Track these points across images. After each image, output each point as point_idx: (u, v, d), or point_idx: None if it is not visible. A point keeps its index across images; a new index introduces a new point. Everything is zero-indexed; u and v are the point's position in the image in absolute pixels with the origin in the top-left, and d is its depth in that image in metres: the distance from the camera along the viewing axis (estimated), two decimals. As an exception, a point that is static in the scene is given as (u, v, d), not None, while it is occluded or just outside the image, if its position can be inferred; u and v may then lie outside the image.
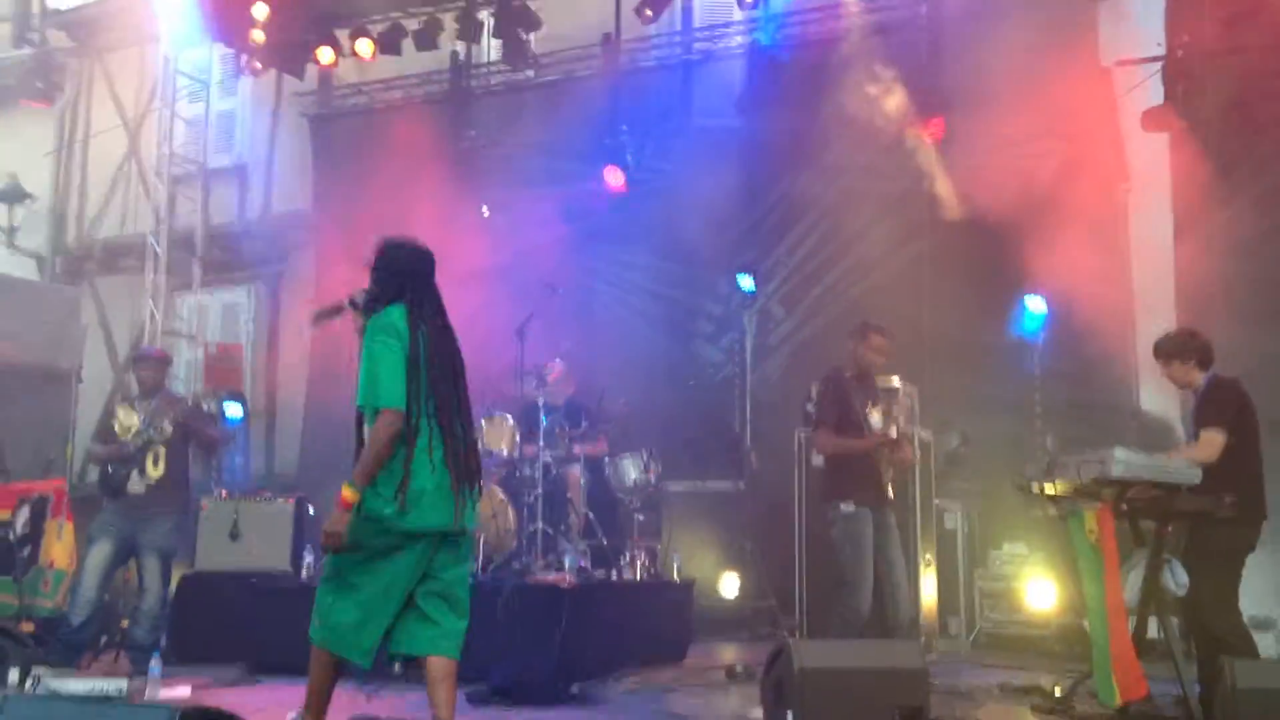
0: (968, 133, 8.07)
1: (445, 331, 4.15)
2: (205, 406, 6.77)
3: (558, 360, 7.60)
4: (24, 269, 12.56)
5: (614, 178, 9.43)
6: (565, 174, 9.59)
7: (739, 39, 9.75)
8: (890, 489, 5.78)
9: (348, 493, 3.88)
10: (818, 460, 6.21)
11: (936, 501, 7.51)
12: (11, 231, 12.44)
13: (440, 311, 4.16)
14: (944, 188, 8.20)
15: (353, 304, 4.28)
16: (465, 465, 4.06)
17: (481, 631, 5.96)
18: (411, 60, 10.32)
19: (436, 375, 4.02)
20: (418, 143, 10.25)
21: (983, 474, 7.81)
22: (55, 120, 13.12)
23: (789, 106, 8.92)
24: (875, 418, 5.77)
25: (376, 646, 4.08)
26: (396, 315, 4.00)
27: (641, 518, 7.27)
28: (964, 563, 7.62)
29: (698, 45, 10.13)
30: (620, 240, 9.64)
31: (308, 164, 11.54)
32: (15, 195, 12.28)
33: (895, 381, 7.12)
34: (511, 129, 10.42)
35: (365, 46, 9.96)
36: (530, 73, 10.42)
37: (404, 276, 4.12)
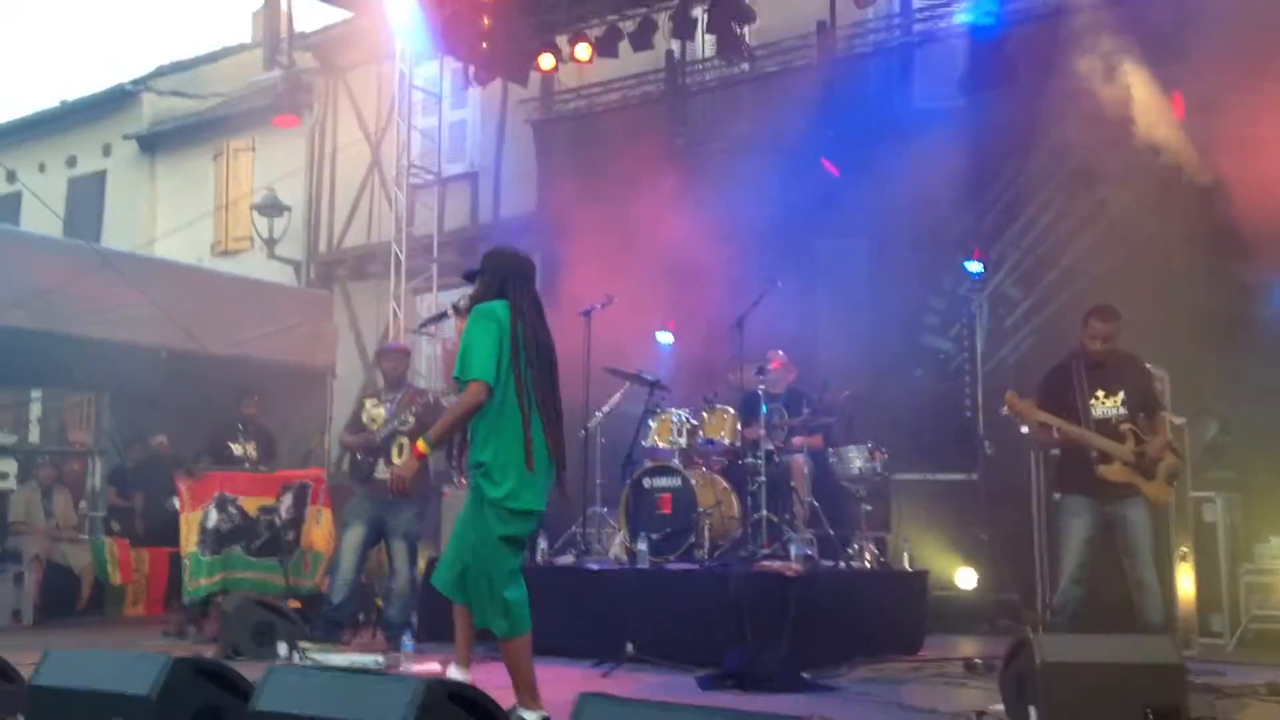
0: (1213, 99, 7.54)
1: (542, 329, 4.41)
2: (444, 403, 7.13)
3: (778, 350, 7.61)
4: (282, 275, 13.62)
5: (831, 167, 9.34)
6: (782, 166, 9.55)
7: (960, 17, 9.44)
8: (1159, 482, 5.50)
9: (421, 446, 4.37)
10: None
11: (1194, 493, 7.07)
12: (271, 242, 13.49)
13: (538, 310, 4.43)
14: (1189, 158, 7.70)
15: (455, 309, 4.66)
16: (559, 445, 4.36)
17: (710, 617, 6.08)
18: (628, 61, 10.53)
19: (533, 359, 4.26)
20: (635, 142, 10.46)
21: (1245, 463, 7.29)
22: (305, 138, 14.13)
23: (1016, 83, 8.57)
24: (1104, 407, 5.51)
25: None
26: (498, 306, 4.30)
27: (869, 508, 7.18)
28: (1226, 557, 7.13)
29: (917, 26, 9.87)
30: (840, 231, 9.52)
31: (533, 169, 11.98)
32: (274, 209, 13.34)
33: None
34: (726, 124, 10.48)
35: (583, 50, 10.23)
36: (745, 66, 10.45)
37: (506, 275, 4.42)
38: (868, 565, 6.94)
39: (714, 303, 9.17)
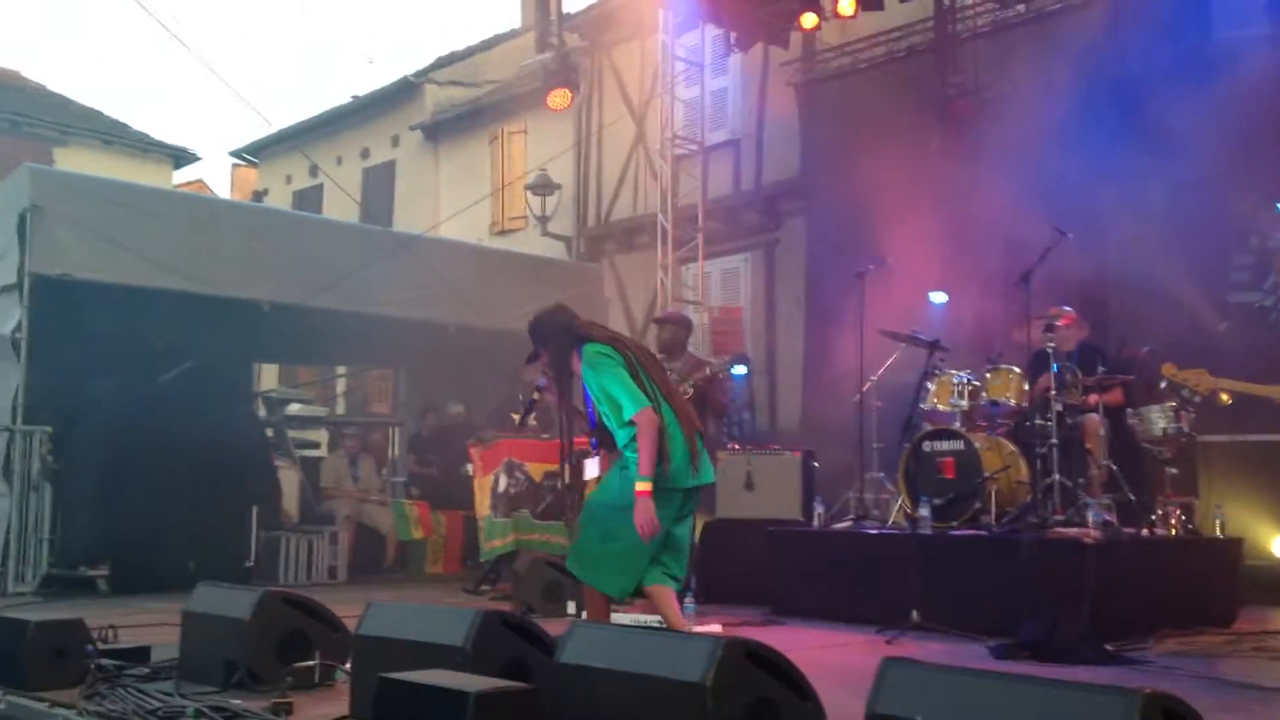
0: None
1: (629, 339, 4.92)
2: (720, 372, 7.14)
3: (1067, 306, 7.19)
4: (554, 251, 14.13)
5: (1118, 110, 8.69)
6: (1065, 112, 8.97)
7: (1269, -67, 8.55)
8: None
9: (642, 486, 4.51)
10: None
11: None
12: (544, 220, 14.02)
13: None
14: None
15: (539, 389, 5.10)
16: (696, 429, 4.75)
17: (999, 586, 5.85)
18: (894, 13, 10.19)
19: (648, 364, 4.75)
20: (903, 97, 10.14)
21: None
22: (572, 117, 14.54)
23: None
24: None
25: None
26: (590, 349, 4.65)
27: (1174, 471, 6.68)
28: None
29: (1216, -53, 9.03)
30: (1132, 177, 8.85)
31: (795, 133, 11.85)
32: (546, 188, 13.85)
33: None
34: (1002, 70, 9.96)
35: (847, 5, 9.96)
36: (1021, 8, 9.89)
37: (563, 326, 4.80)
38: (1173, 532, 6.47)
39: (992, 259, 8.77)
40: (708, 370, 6.91)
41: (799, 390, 11.37)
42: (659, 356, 7.37)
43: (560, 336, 4.84)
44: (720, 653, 2.83)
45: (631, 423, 4.53)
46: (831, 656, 5.13)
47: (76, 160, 19.23)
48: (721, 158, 12.68)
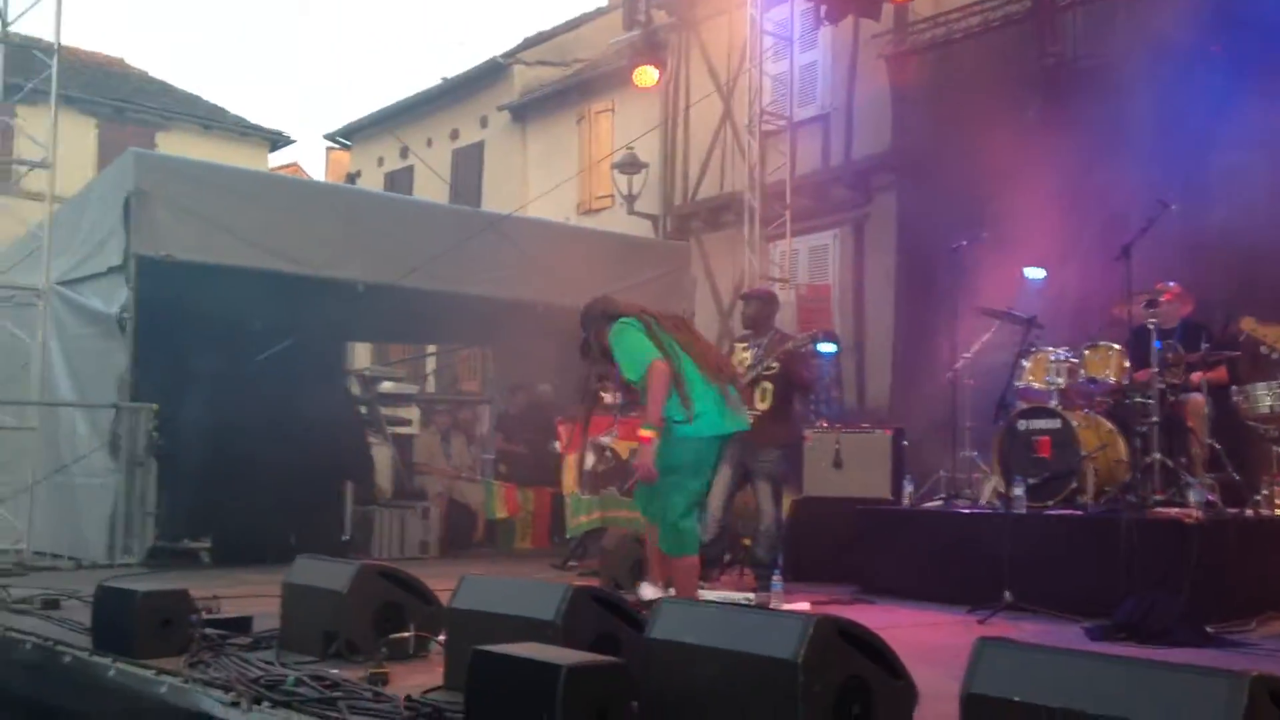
0: None
1: (663, 312, 5.54)
2: (803, 349, 7.05)
3: (1170, 281, 6.97)
4: (641, 229, 14.12)
5: (1223, 76, 8.35)
6: (1167, 79, 8.66)
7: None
8: None
9: (645, 432, 5.20)
10: None
11: None
12: (630, 199, 14.02)
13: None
14: None
15: (601, 377, 5.78)
16: (721, 378, 5.35)
17: (1096, 566, 5.72)
18: (991, -20, 9.95)
19: (671, 326, 5.34)
20: (998, 67, 9.89)
21: None
22: (660, 94, 14.49)
23: None
24: None
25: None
26: (618, 322, 5.29)
27: (1281, 450, 6.45)
28: None
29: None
30: (1239, 145, 8.51)
31: (886, 106, 11.63)
32: (633, 166, 13.84)
33: None
34: (1102, 37, 9.64)
35: (942, -26, 9.76)
36: (1123, -28, 9.55)
37: (601, 312, 5.41)
38: (1279, 512, 6.26)
39: (1091, 233, 8.53)
40: (789, 345, 6.84)
41: (888, 368, 11.21)
42: (744, 332, 7.36)
43: (599, 320, 5.41)
44: (812, 630, 2.81)
45: (639, 381, 5.10)
46: (923, 636, 5.07)
47: (177, 144, 19.82)
48: (810, 133, 12.53)
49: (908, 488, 7.26)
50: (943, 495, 7.22)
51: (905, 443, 7.81)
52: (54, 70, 8.34)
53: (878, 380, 11.46)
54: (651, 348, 5.15)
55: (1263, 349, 6.13)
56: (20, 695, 4.74)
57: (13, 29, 8.52)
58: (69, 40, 8.58)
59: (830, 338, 10.74)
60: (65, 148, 8.66)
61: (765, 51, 12.09)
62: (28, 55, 8.67)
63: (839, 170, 12.32)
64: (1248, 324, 5.87)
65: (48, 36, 8.51)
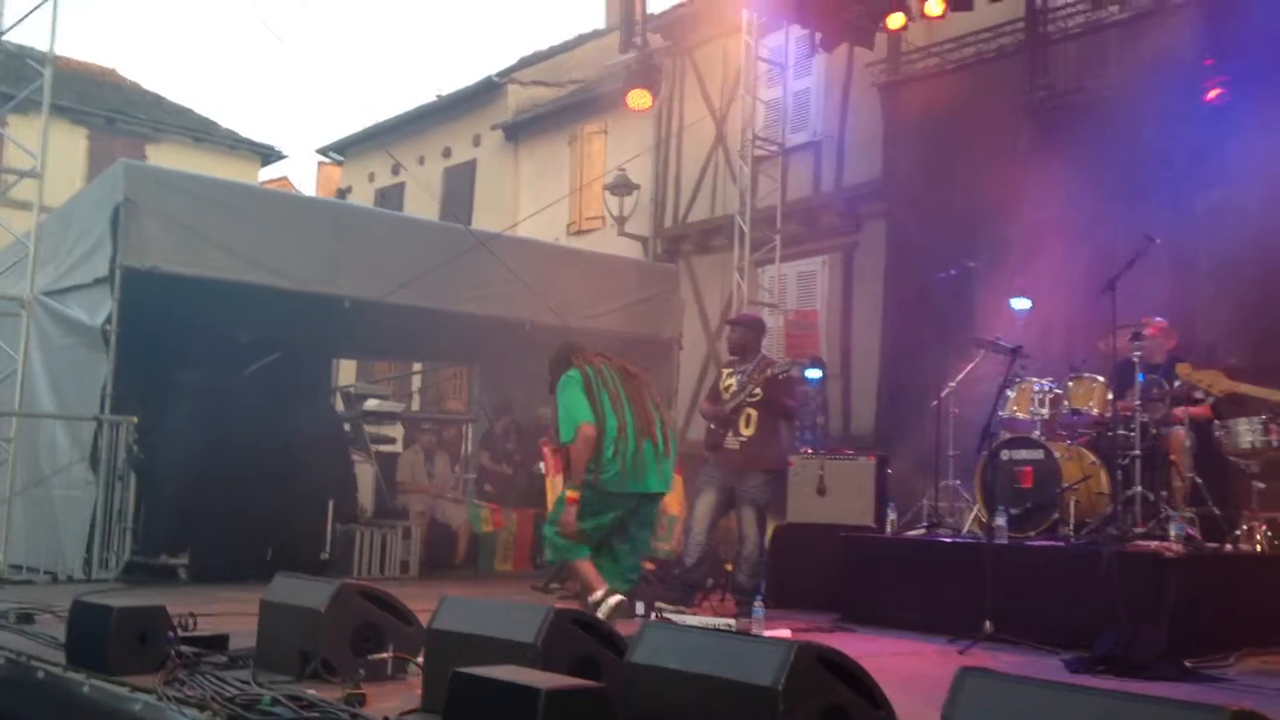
0: None
1: (608, 364, 6.18)
2: (782, 375, 7.03)
3: (1157, 316, 7.01)
4: (631, 251, 14.16)
5: (1212, 114, 8.42)
6: (1156, 115, 8.74)
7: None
8: None
9: (571, 494, 5.86)
10: None
11: None
12: (621, 220, 14.06)
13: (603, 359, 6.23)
14: None
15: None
16: (652, 442, 6.03)
17: (1076, 598, 5.72)
18: (984, 13, 10.03)
19: (616, 381, 6.05)
20: (990, 98, 9.97)
21: None
22: (653, 117, 14.56)
23: None
24: None
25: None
26: (569, 373, 6.02)
27: (1261, 486, 6.46)
28: None
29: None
30: (1226, 182, 8.59)
31: (878, 134, 11.71)
32: (624, 188, 13.88)
33: None
34: (1094, 72, 9.74)
35: (935, 6, 9.81)
36: (1114, 9, 9.65)
37: (565, 354, 6.18)
38: (1258, 548, 6.27)
39: (1077, 265, 8.58)
40: (770, 371, 6.85)
41: (874, 395, 11.25)
42: (730, 359, 7.37)
43: (558, 366, 6.11)
44: (792, 657, 2.79)
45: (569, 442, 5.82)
46: (903, 665, 5.06)
47: (168, 156, 19.81)
48: (801, 159, 12.61)
49: (891, 515, 7.27)
50: (925, 524, 7.22)
51: (889, 470, 7.82)
52: (47, 80, 8.32)
53: (863, 407, 11.49)
54: (585, 409, 5.82)
55: (1197, 394, 6.25)
56: (-8, 709, 4.69)
57: (6, 38, 8.50)
58: (61, 50, 8.54)
59: (817, 363, 10.77)
60: (55, 158, 8.62)
61: (759, 77, 12.17)
62: (20, 64, 8.67)
63: (830, 197, 12.38)
64: (1183, 370, 6.02)
65: (41, 46, 8.51)
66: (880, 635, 6.21)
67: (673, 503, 8.48)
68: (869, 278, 11.75)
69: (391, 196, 18.69)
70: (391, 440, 12.63)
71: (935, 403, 7.52)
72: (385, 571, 9.13)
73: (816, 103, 12.66)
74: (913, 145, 10.93)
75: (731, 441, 6.97)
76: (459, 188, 17.61)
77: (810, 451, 8.28)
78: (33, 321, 8.33)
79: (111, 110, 20.60)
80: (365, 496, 10.46)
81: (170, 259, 8.07)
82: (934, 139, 10.38)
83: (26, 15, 8.45)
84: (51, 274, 8.56)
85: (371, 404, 11.89)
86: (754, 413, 6.89)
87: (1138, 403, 6.33)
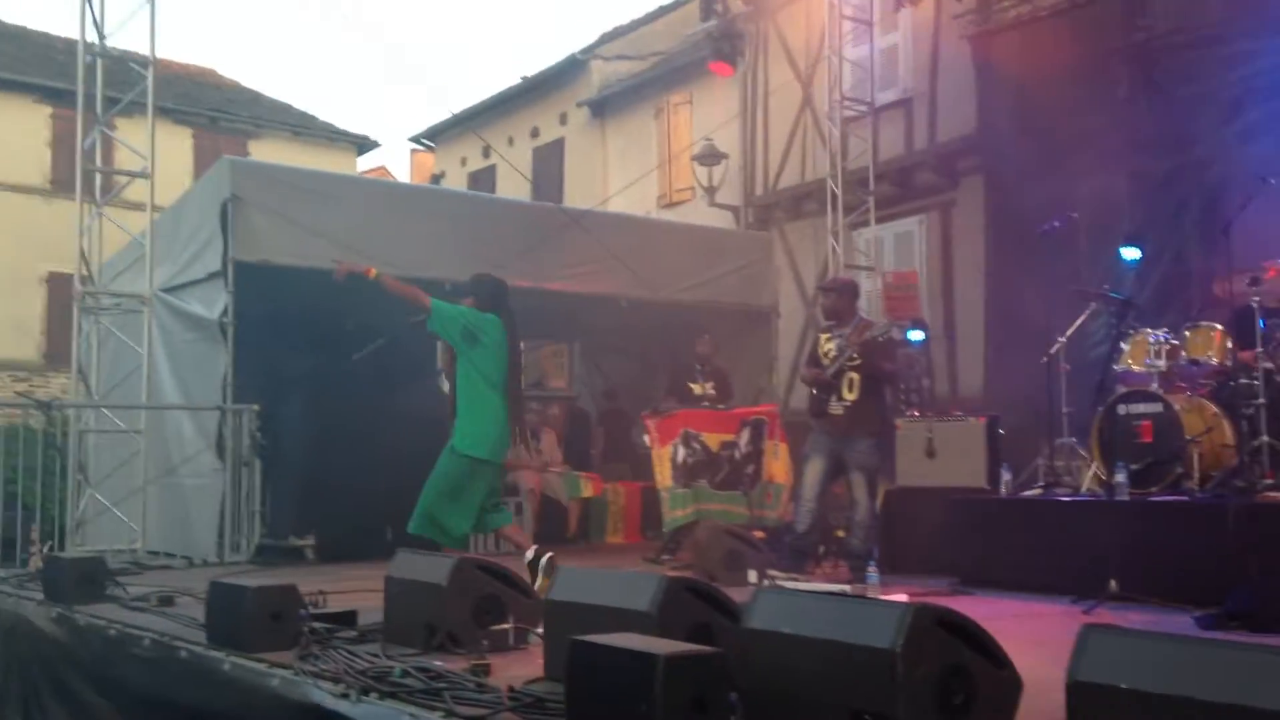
0: None
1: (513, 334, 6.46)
2: (881, 338, 6.93)
3: (1276, 259, 6.74)
4: (723, 221, 14.10)
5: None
6: (1264, 52, 8.38)
7: None
8: None
9: (372, 271, 6.45)
10: None
11: None
12: (711, 190, 13.99)
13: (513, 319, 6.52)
14: None
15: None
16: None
17: (1204, 553, 5.56)
18: (1078, -45, 9.71)
19: (514, 360, 6.35)
20: (1086, 44, 9.66)
21: None
22: (738, 85, 14.46)
23: None
24: None
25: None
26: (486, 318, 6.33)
27: (1403, 431, 6.20)
28: None
29: None
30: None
31: (971, 88, 11.44)
32: (712, 158, 13.81)
33: None
34: (1194, 11, 9.36)
35: (1026, -49, 9.56)
36: (1217, -59, 9.25)
37: (492, 294, 6.48)
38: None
39: (1187, 211, 8.31)
40: (866, 335, 6.77)
41: (981, 355, 11.04)
42: (828, 323, 7.31)
43: (487, 299, 6.40)
44: (910, 619, 2.78)
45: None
46: (1025, 626, 4.98)
47: (269, 151, 20.36)
48: (892, 117, 12.38)
49: (1005, 476, 7.13)
50: (1042, 483, 7.08)
51: (1000, 430, 7.67)
52: (150, 82, 8.60)
53: (970, 367, 11.29)
54: (446, 309, 6.33)
55: None
56: (139, 688, 4.93)
57: (108, 43, 8.79)
58: (161, 53, 8.82)
59: (919, 325, 10.62)
60: (162, 158, 8.93)
61: (844, 36, 11.97)
62: (124, 68, 8.96)
63: (923, 155, 12.15)
64: None
65: (142, 50, 8.78)
66: (1000, 598, 6.11)
67: (779, 471, 8.49)
68: (968, 235, 11.52)
69: (483, 179, 18.90)
70: (498, 419, 12.80)
71: (1045, 359, 7.34)
72: (500, 547, 9.30)
73: (905, 58, 12.41)
74: (1008, 96, 10.65)
75: (835, 407, 6.92)
76: (548, 167, 17.72)
77: (917, 414, 8.18)
78: (154, 317, 8.66)
79: (213, 109, 21.21)
80: (475, 475, 10.63)
81: (278, 251, 8.30)
82: (1030, 89, 10.08)
83: (128, 19, 8.73)
84: (168, 270, 8.88)
85: (475, 384, 12.05)
86: (856, 377, 6.82)
87: (1260, 349, 6.10)
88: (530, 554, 5.86)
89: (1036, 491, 6.96)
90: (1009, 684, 2.95)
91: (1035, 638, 4.31)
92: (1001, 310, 10.37)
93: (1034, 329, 7.67)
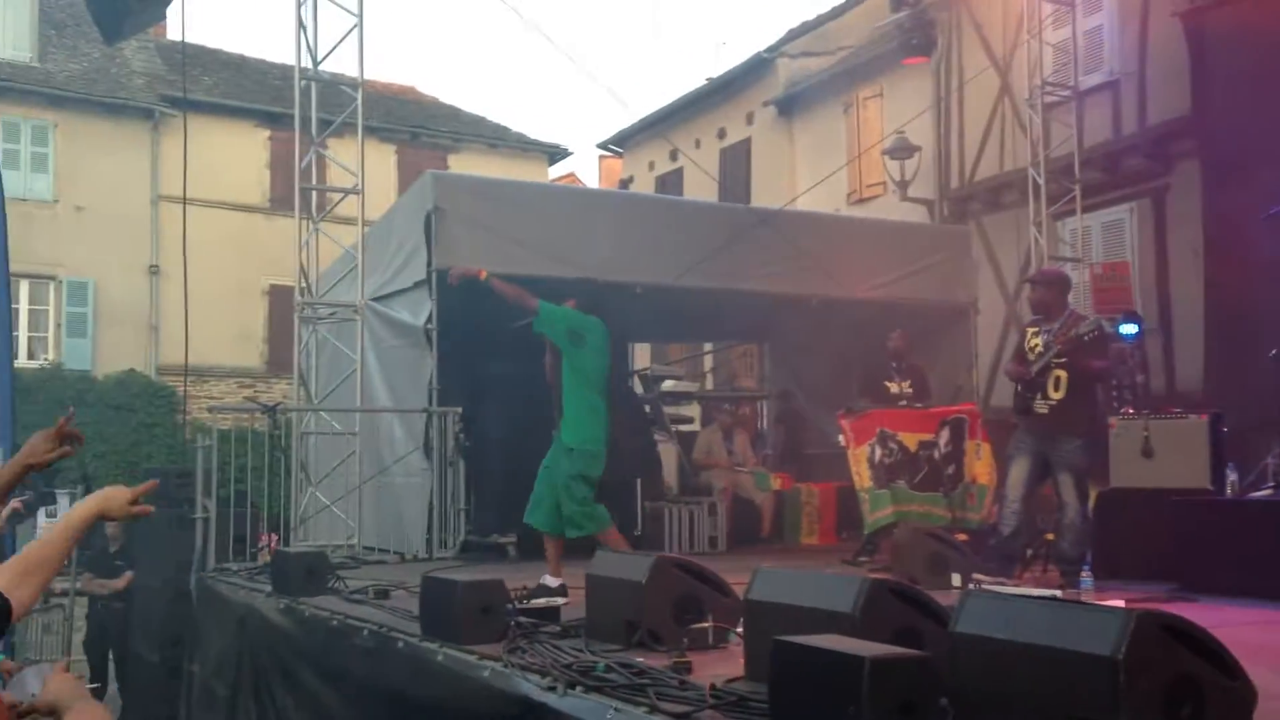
0: None
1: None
2: (1089, 336, 6.58)
3: None
4: (916, 216, 13.76)
5: None
6: None
7: None
8: None
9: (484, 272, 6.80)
10: None
11: None
12: (903, 185, 13.69)
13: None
14: None
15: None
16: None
17: None
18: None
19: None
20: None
21: None
22: (931, 74, 14.09)
23: None
24: None
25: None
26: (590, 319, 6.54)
27: None
28: None
29: None
30: None
31: (1184, 67, 10.77)
32: (904, 151, 13.50)
33: None
34: None
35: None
36: None
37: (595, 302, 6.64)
38: None
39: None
40: (1072, 333, 6.44)
41: (1200, 349, 10.37)
42: (1034, 317, 7.02)
43: (589, 304, 6.52)
44: (1133, 625, 2.65)
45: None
46: (1255, 635, 4.67)
47: (467, 163, 21.16)
48: (1098, 101, 11.81)
49: (1231, 476, 6.71)
50: (1272, 484, 6.62)
51: (1224, 428, 7.20)
52: (359, 103, 9.06)
53: (1188, 362, 10.63)
54: (558, 311, 6.48)
55: None
56: (360, 677, 5.20)
57: (320, 68, 9.29)
58: (367, 74, 9.28)
59: (1131, 318, 10.09)
60: (370, 174, 9.39)
61: (1045, 19, 11.51)
62: (335, 91, 9.46)
63: (1133, 139, 11.54)
64: None
65: (349, 72, 9.25)
66: (1226, 604, 5.75)
67: (981, 471, 8.22)
68: (1184, 222, 10.85)
69: (671, 182, 19.07)
70: (689, 420, 12.93)
71: (1273, 352, 6.86)
72: (695, 547, 9.37)
73: (1111, 39, 11.80)
74: (1225, 75, 9.98)
75: (1040, 405, 6.64)
76: (735, 167, 17.72)
77: (1132, 412, 7.77)
78: (365, 325, 9.12)
79: (415, 125, 22.19)
80: (669, 475, 10.77)
81: (477, 259, 8.56)
82: (1248, 66, 9.43)
83: (338, 44, 9.21)
84: (377, 281, 9.34)
85: (667, 385, 12.23)
86: (1063, 375, 6.53)
87: None
88: (554, 582, 5.88)
89: (1266, 492, 6.52)
90: (1242, 695, 2.78)
91: (1266, 646, 4.04)
92: (1222, 301, 9.74)
93: (1259, 320, 7.18)
